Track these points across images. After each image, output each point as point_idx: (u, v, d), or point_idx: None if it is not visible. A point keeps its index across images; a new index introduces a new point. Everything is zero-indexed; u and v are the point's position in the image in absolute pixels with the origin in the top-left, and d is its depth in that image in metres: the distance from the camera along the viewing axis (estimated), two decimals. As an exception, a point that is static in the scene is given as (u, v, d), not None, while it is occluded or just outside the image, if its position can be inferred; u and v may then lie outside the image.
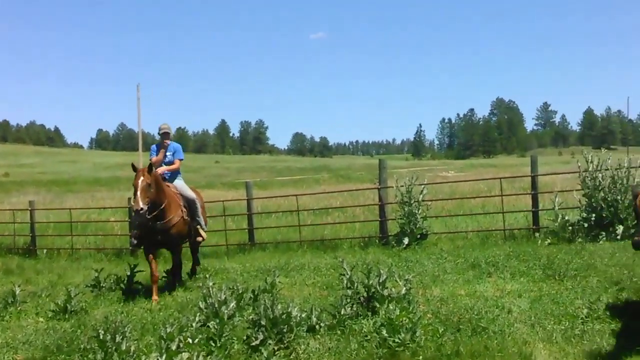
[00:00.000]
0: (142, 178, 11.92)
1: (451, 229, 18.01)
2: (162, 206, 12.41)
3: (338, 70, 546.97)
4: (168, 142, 13.94)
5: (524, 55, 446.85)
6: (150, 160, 13.58)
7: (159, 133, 14.06)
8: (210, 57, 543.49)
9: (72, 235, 21.99)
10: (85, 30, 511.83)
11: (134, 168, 12.24)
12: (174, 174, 13.95)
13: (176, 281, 13.31)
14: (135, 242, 13.27)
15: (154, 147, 14.23)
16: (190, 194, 13.76)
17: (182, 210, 13.03)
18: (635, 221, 7.06)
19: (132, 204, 12.87)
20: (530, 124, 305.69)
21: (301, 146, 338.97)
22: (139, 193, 11.77)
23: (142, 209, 11.67)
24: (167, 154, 13.83)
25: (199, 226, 13.93)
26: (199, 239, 14.19)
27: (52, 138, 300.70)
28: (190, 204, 13.53)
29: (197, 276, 14.25)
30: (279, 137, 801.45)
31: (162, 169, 13.55)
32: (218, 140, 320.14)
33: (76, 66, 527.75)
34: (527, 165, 17.61)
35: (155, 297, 12.09)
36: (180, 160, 14.10)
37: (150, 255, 12.71)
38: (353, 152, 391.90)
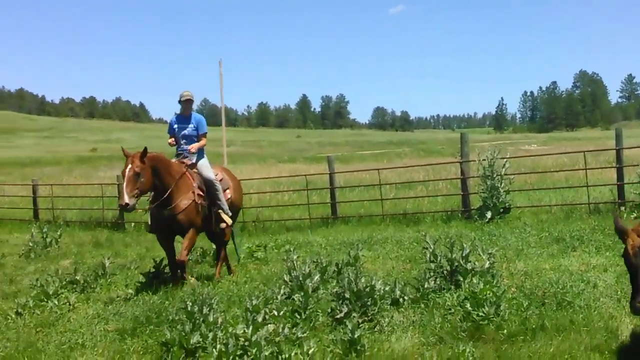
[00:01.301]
0: (129, 166, 10.28)
1: (534, 202, 17.82)
2: (169, 191, 10.82)
3: (418, 44, 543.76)
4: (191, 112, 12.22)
5: (607, 27, 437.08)
6: (169, 141, 12.19)
7: (179, 101, 12.14)
8: (292, 32, 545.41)
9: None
10: (168, 8, 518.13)
11: (125, 153, 10.60)
12: (200, 152, 12.10)
13: (179, 275, 11.29)
14: (150, 227, 11.66)
15: (173, 118, 12.37)
16: (209, 174, 11.82)
17: (193, 193, 11.23)
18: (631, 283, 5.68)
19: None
20: (614, 97, 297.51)
21: (382, 120, 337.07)
22: (124, 185, 10.24)
23: (127, 204, 10.09)
24: (189, 126, 12.03)
25: (220, 210, 11.88)
26: (223, 225, 11.99)
27: (137, 114, 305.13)
28: (207, 186, 11.69)
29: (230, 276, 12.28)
30: (360, 112, 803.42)
31: (196, 146, 11.87)
32: (300, 115, 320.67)
33: (160, 43, 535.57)
34: (611, 138, 17.28)
35: (190, 278, 11.24)
36: (205, 134, 12.21)
37: (166, 248, 11.36)
38: (434, 126, 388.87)
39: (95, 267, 12.88)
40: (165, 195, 10.79)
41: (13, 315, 9.87)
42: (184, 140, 11.97)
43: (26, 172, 61.17)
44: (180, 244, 11.22)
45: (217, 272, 12.30)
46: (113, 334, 8.55)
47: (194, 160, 11.84)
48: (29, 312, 10.03)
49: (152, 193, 10.99)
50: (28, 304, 10.30)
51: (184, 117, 12.14)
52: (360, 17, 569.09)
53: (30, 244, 16.36)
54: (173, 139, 12.15)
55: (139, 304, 9.87)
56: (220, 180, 12.13)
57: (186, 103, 12.09)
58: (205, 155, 12.27)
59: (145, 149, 10.61)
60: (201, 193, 11.46)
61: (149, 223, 11.56)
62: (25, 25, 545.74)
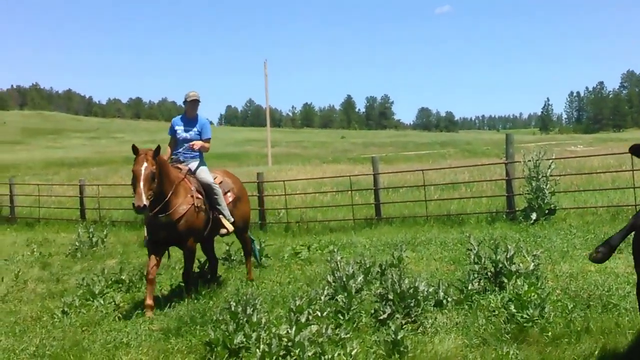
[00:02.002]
0: (145, 164, 9.48)
1: (580, 204, 17.65)
2: (167, 197, 9.91)
3: (464, 44, 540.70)
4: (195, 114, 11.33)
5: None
6: (171, 143, 11.34)
7: (184, 102, 11.26)
8: (336, 32, 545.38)
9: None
10: (213, 10, 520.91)
11: (135, 150, 9.68)
12: (198, 155, 11.31)
13: (190, 287, 10.65)
14: (146, 239, 10.58)
15: (176, 119, 11.39)
16: (206, 177, 11.00)
17: (192, 197, 10.35)
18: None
19: (133, 196, 9.52)
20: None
21: (426, 121, 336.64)
22: (141, 185, 9.35)
23: (144, 206, 9.26)
24: (193, 129, 11.19)
25: (221, 216, 11.10)
26: (223, 231, 11.25)
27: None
28: (206, 189, 10.84)
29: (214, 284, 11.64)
30: (404, 112, 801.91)
31: (199, 143, 11.13)
32: (344, 116, 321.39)
33: (205, 44, 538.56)
34: (661, 139, 17.07)
35: (149, 301, 9.81)
36: (208, 140, 11.41)
37: (153, 255, 10.21)
38: (479, 126, 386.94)
39: (141, 266, 13.02)
40: (163, 202, 9.87)
41: (59, 314, 10.01)
42: (184, 145, 11.17)
43: (73, 172, 62.07)
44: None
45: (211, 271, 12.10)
46: (157, 333, 8.64)
47: (191, 166, 11.08)
48: (75, 311, 10.17)
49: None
50: (74, 303, 10.45)
51: (188, 119, 11.28)
52: (406, 16, 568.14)
53: (77, 244, 16.54)
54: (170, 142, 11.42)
55: (183, 303, 9.95)
56: (220, 183, 11.40)
57: (192, 104, 11.22)
58: (205, 163, 11.47)
59: (159, 147, 9.92)
60: (200, 196, 10.61)
61: (145, 236, 10.56)
62: (74, 27, 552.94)
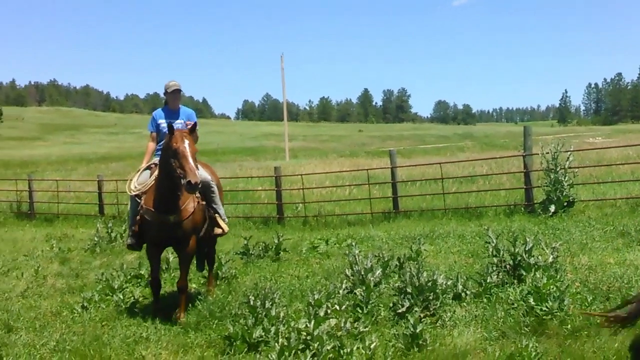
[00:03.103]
0: (187, 142, 8.76)
1: (599, 196, 17.55)
2: (180, 192, 9.12)
3: (481, 36, 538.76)
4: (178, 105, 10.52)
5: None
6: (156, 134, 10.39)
7: (165, 93, 10.44)
8: (353, 26, 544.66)
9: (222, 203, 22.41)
10: (229, 4, 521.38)
11: (170, 129, 8.88)
12: None
13: (183, 293, 9.48)
14: (133, 241, 9.85)
15: (158, 112, 10.56)
16: (204, 174, 9.98)
17: (196, 195, 9.42)
18: None
19: (180, 173, 8.60)
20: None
21: (444, 114, 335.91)
22: (190, 160, 8.54)
23: (199, 182, 8.51)
24: (178, 121, 10.11)
25: (217, 215, 10.46)
26: (218, 231, 10.53)
27: (200, 109, 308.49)
28: (204, 187, 9.80)
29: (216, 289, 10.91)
30: (421, 105, 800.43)
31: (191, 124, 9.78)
32: (361, 109, 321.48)
33: (222, 38, 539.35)
34: (680, 130, 16.98)
35: (181, 315, 9.22)
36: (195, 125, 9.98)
37: (156, 259, 9.75)
38: (497, 119, 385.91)
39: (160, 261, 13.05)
40: (174, 197, 9.12)
41: (79, 309, 10.08)
42: None
43: (91, 167, 62.21)
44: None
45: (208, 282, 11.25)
46: (177, 328, 8.68)
47: None
48: (94, 306, 10.24)
49: (150, 189, 9.41)
50: (94, 298, 10.51)
51: (171, 111, 10.43)
52: (423, 9, 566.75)
53: (96, 239, 16.60)
54: (154, 136, 10.50)
55: (202, 298, 9.98)
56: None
57: (174, 94, 10.35)
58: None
59: (195, 124, 9.53)
60: (199, 194, 9.68)
61: (131, 235, 9.82)
62: (91, 23, 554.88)
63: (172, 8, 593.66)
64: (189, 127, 9.30)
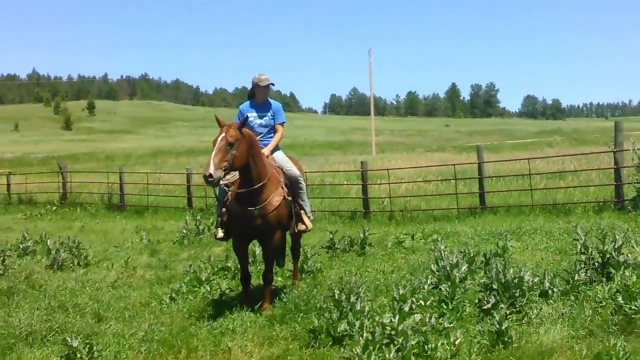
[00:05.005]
0: (222, 135, 8.65)
1: (694, 194, 17.15)
2: (260, 184, 9.12)
3: (571, 30, 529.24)
4: (266, 98, 10.47)
5: None
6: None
7: (254, 85, 10.33)
8: (441, 20, 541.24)
9: (308, 198, 22.46)
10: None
11: (219, 122, 8.97)
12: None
13: (268, 285, 9.77)
14: (221, 234, 9.80)
15: (245, 105, 10.45)
16: (293, 169, 10.17)
17: (282, 188, 9.53)
18: None
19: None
20: None
21: (533, 109, 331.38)
22: (212, 154, 8.52)
23: (210, 175, 8.31)
24: (267, 114, 10.35)
25: (302, 211, 10.34)
26: (302, 227, 10.34)
27: (287, 103, 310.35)
28: (292, 183, 10.02)
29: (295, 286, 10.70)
30: (509, 100, 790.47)
31: (269, 148, 10.11)
32: (448, 104, 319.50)
33: (310, 32, 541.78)
34: None
35: (266, 304, 9.42)
36: (282, 124, 10.62)
37: (243, 254, 9.77)
38: (587, 114, 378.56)
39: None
40: (257, 187, 9.09)
41: (167, 300, 10.27)
42: (264, 130, 10.33)
43: (181, 160, 63.19)
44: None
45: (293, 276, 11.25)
46: (262, 320, 8.77)
47: (266, 153, 9.84)
48: (182, 297, 10.41)
49: (237, 181, 9.29)
50: (181, 289, 10.69)
51: (259, 105, 10.39)
52: (511, 2, 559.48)
53: (184, 231, 16.81)
54: None
55: (287, 291, 10.06)
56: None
57: (265, 89, 10.30)
58: (281, 147, 10.67)
59: (246, 119, 9.37)
60: (286, 189, 9.75)
61: (220, 226, 9.81)
62: (182, 20, 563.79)
63: (260, 7, 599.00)
64: (241, 121, 9.11)
